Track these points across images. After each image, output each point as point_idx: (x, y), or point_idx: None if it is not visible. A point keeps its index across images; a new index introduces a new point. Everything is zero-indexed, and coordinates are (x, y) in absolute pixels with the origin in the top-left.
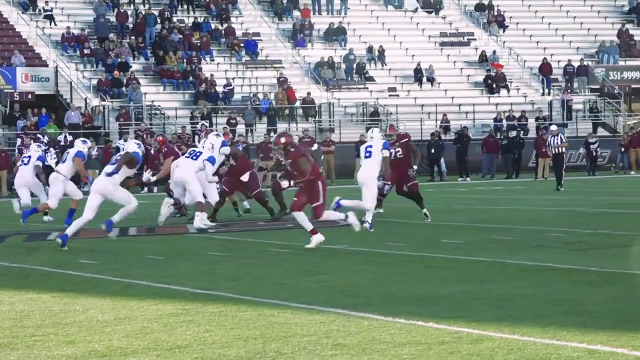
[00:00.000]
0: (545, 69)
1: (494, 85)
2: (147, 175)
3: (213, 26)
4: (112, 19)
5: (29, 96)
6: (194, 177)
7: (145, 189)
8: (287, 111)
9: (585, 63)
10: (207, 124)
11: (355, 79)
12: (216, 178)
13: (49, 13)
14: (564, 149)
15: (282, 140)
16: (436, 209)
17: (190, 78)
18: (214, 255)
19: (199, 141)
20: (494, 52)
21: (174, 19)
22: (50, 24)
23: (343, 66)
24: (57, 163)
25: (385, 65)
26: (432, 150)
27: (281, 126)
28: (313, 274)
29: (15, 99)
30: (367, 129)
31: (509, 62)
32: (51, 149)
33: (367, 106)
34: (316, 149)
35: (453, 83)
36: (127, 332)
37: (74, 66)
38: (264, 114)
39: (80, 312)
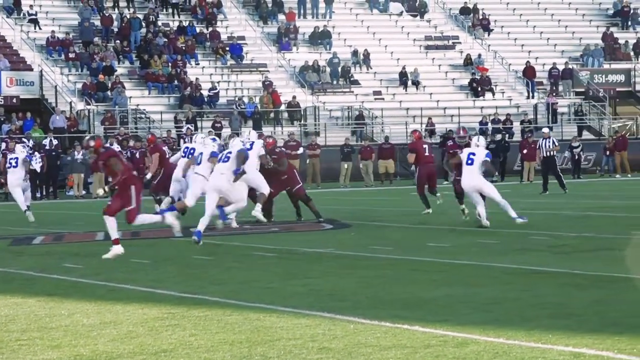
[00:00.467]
0: (529, 72)
1: (479, 89)
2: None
3: (198, 30)
4: (97, 22)
5: (14, 100)
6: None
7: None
8: (272, 115)
9: (570, 66)
10: (192, 128)
11: (341, 83)
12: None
13: (34, 17)
14: (555, 152)
15: (92, 143)
16: (421, 213)
17: (176, 82)
18: (200, 259)
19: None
20: (479, 55)
21: (159, 23)
22: (35, 28)
23: (328, 70)
24: (42, 167)
25: (371, 68)
26: None
27: (267, 130)
28: (299, 278)
29: None
30: (353, 132)
31: (494, 66)
32: (36, 153)
33: (353, 110)
34: (301, 152)
35: (438, 86)
36: (112, 337)
37: (59, 70)
38: (249, 118)
39: (65, 316)
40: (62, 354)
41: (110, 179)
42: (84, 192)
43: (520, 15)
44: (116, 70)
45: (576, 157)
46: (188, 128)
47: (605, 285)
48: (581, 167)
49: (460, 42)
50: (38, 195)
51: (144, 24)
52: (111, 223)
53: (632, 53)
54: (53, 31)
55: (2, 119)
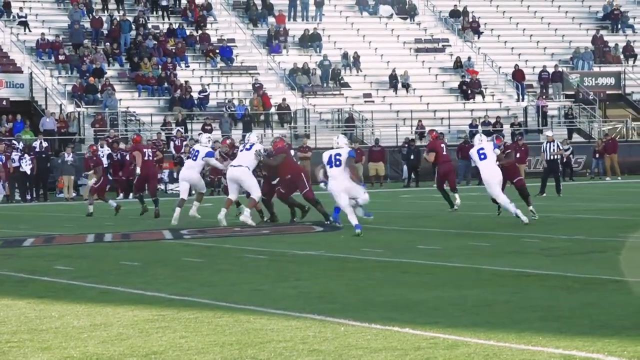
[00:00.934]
0: (518, 75)
1: (469, 92)
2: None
3: (188, 32)
4: (87, 25)
5: (4, 102)
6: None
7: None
8: (262, 117)
9: (560, 69)
10: (183, 130)
11: (331, 85)
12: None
13: (24, 19)
14: (558, 155)
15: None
16: (412, 215)
17: (166, 84)
18: (190, 262)
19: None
20: (469, 58)
21: (149, 25)
22: (25, 30)
23: (318, 72)
24: (32, 169)
25: (361, 71)
26: (412, 157)
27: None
28: (289, 280)
29: None
30: (343, 135)
31: (483, 69)
32: (26, 155)
33: (343, 112)
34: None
35: (428, 89)
36: (103, 338)
37: (49, 72)
38: (240, 120)
39: (56, 319)
40: (52, 355)
41: None
42: (74, 194)
43: (510, 18)
44: (106, 73)
45: (564, 159)
46: (178, 130)
47: (596, 288)
48: (573, 170)
49: (450, 45)
50: (28, 197)
51: (134, 27)
52: None
53: (621, 56)
54: (43, 33)
55: None
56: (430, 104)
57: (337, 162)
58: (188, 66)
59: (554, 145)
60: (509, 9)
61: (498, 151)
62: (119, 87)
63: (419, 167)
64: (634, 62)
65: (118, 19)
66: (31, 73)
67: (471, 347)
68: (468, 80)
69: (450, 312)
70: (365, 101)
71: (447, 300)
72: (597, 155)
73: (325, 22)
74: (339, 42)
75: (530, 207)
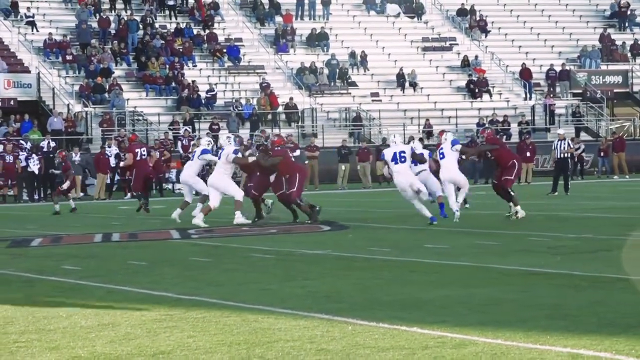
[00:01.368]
0: (525, 73)
1: (477, 90)
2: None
3: (195, 32)
4: (95, 25)
5: (12, 102)
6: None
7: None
8: (269, 116)
9: (567, 67)
10: (190, 130)
11: (338, 84)
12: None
13: (31, 19)
14: (570, 154)
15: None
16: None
17: (173, 84)
18: (198, 261)
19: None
20: (476, 57)
21: (157, 25)
22: (32, 30)
23: (325, 71)
24: (39, 169)
25: (368, 70)
26: None
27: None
28: (297, 280)
29: None
30: (350, 134)
31: (491, 67)
32: (34, 155)
33: (350, 111)
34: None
35: (435, 88)
36: (110, 338)
37: (57, 72)
38: (247, 120)
39: (63, 318)
40: (60, 355)
41: None
42: (81, 194)
43: (517, 16)
44: (113, 72)
45: (576, 158)
46: (186, 130)
47: (604, 286)
48: (584, 168)
49: (457, 44)
50: (36, 197)
51: (141, 26)
52: None
53: (629, 54)
54: (50, 33)
55: None
56: (437, 102)
57: (402, 159)
58: (195, 65)
59: (564, 144)
60: (516, 8)
61: (459, 146)
62: (126, 87)
63: None
64: None
65: (125, 18)
66: (39, 73)
67: (479, 345)
68: (475, 79)
69: (457, 311)
70: (373, 100)
71: (455, 299)
72: (602, 154)
73: (332, 21)
74: (346, 41)
75: (512, 205)
